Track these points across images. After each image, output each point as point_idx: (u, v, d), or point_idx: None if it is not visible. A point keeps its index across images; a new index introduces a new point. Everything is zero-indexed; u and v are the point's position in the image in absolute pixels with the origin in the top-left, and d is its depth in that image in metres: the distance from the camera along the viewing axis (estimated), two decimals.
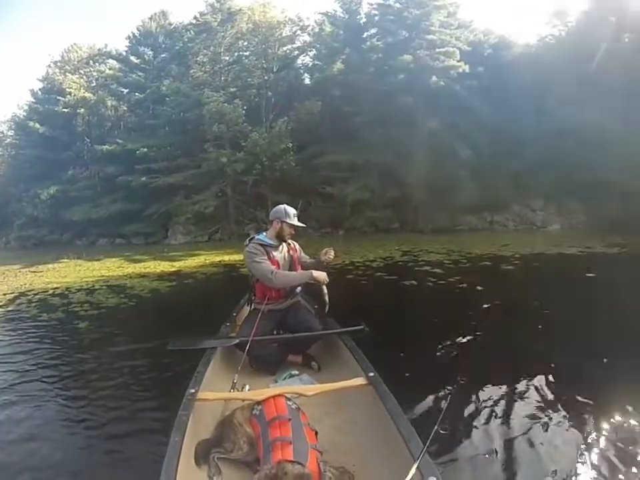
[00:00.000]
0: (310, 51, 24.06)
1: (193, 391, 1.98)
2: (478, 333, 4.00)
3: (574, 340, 3.72)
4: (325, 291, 2.77)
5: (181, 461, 1.50)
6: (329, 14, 22.96)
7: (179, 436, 1.63)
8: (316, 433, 1.77)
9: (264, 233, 2.89)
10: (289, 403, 1.83)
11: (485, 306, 5.05)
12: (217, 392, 2.14)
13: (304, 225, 2.93)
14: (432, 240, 14.43)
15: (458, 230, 19.12)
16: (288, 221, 2.80)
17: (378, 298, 5.91)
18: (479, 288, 6.09)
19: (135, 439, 2.40)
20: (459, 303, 5.42)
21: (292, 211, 2.85)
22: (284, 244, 2.90)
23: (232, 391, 2.14)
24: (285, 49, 23.26)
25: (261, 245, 2.77)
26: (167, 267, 10.28)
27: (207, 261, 11.25)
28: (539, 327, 4.14)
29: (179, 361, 3.07)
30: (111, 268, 10.89)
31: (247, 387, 2.25)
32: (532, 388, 2.80)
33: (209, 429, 1.92)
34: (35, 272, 11.08)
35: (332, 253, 2.83)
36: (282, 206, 2.89)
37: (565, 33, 22.73)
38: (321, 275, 2.71)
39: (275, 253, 2.80)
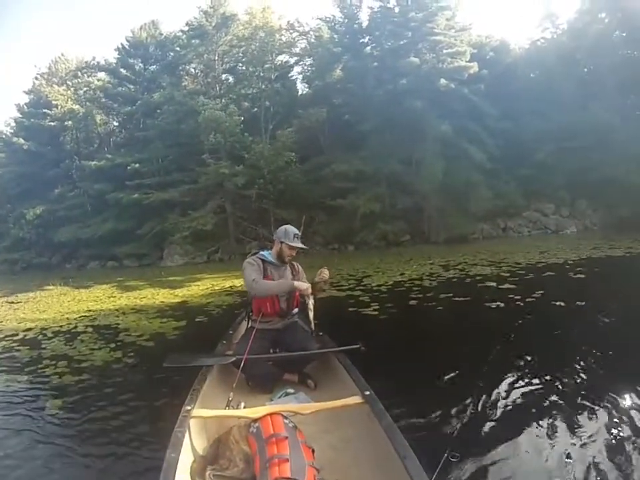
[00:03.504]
0: (308, 57, 23.13)
1: (188, 408, 1.95)
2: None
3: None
4: (311, 306, 2.70)
5: (176, 478, 1.47)
6: (328, 19, 22.12)
7: (174, 453, 1.60)
8: (313, 450, 1.69)
9: (269, 251, 2.88)
10: (285, 421, 1.77)
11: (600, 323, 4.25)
12: (213, 409, 2.12)
13: (304, 247, 2.90)
14: (453, 251, 13.44)
15: (473, 239, 18.33)
16: (287, 242, 2.78)
17: (481, 327, 4.69)
18: (580, 303, 5.08)
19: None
20: (575, 324, 4.48)
21: (293, 231, 2.82)
22: (288, 266, 2.87)
23: (227, 408, 2.09)
24: (282, 56, 22.38)
25: (261, 260, 2.79)
26: (168, 297, 8.66)
27: (216, 287, 9.55)
28: None
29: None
30: (101, 298, 9.41)
31: (243, 404, 2.11)
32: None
33: (205, 446, 1.88)
34: (11, 303, 9.65)
35: (326, 272, 2.83)
36: (284, 226, 2.91)
37: (556, 35, 22.80)
38: (302, 285, 2.70)
39: (273, 272, 2.79)
